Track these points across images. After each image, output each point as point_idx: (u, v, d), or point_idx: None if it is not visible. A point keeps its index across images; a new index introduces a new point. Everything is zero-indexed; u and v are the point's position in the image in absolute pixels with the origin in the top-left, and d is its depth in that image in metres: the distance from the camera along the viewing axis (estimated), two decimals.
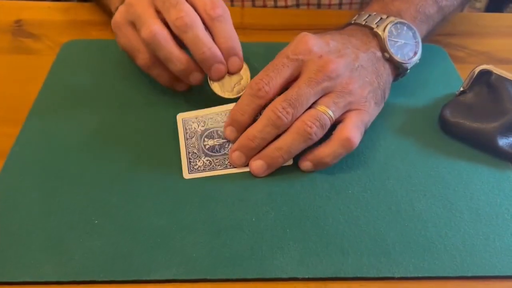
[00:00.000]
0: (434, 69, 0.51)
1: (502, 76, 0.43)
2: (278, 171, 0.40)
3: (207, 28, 0.42)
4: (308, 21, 0.58)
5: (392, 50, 0.43)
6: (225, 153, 0.41)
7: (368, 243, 0.35)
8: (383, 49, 0.43)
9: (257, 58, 0.50)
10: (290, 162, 0.41)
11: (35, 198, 0.37)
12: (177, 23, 0.40)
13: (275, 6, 0.65)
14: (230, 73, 0.43)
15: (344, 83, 0.40)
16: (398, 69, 0.45)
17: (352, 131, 0.39)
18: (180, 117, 0.43)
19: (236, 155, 0.40)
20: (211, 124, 0.43)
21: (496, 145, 0.41)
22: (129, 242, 0.35)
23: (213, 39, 0.42)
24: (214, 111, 0.43)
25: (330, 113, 0.39)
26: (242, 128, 0.40)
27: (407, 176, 0.40)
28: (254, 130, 0.39)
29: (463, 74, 0.50)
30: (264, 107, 0.40)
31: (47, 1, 0.61)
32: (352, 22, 0.47)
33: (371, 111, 0.41)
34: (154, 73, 0.44)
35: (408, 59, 0.44)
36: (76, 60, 0.51)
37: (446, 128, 0.43)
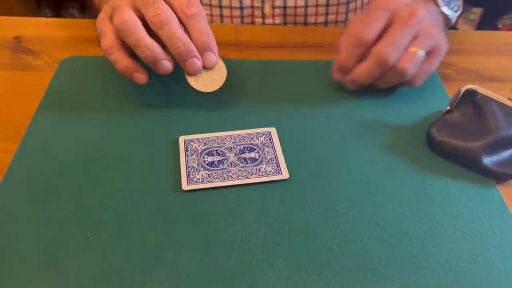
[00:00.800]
0: (422, 87, 0.52)
1: (486, 96, 0.44)
2: (270, 188, 0.41)
3: (183, 26, 0.44)
4: (299, 38, 0.60)
5: (445, 7, 0.51)
6: (223, 167, 0.42)
7: (355, 259, 0.36)
8: (437, 5, 0.51)
9: (250, 74, 0.51)
10: (286, 176, 0.42)
11: (31, 214, 0.38)
12: (154, 20, 0.43)
13: (263, 24, 0.67)
14: (206, 68, 0.45)
15: (428, 27, 0.46)
16: (447, 23, 0.52)
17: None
18: (182, 138, 0.45)
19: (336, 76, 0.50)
20: (211, 145, 0.44)
21: (481, 163, 0.42)
22: (123, 258, 0.36)
23: (189, 36, 0.44)
24: (215, 135, 0.45)
25: (422, 53, 0.45)
26: (349, 72, 0.48)
27: (395, 193, 0.41)
28: (360, 71, 0.47)
29: (451, 92, 0.51)
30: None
31: (46, 17, 0.62)
32: None
33: (444, 51, 0.48)
34: (113, 58, 0.45)
35: (454, 13, 0.53)
36: (74, 77, 0.52)
37: (433, 146, 0.45)
